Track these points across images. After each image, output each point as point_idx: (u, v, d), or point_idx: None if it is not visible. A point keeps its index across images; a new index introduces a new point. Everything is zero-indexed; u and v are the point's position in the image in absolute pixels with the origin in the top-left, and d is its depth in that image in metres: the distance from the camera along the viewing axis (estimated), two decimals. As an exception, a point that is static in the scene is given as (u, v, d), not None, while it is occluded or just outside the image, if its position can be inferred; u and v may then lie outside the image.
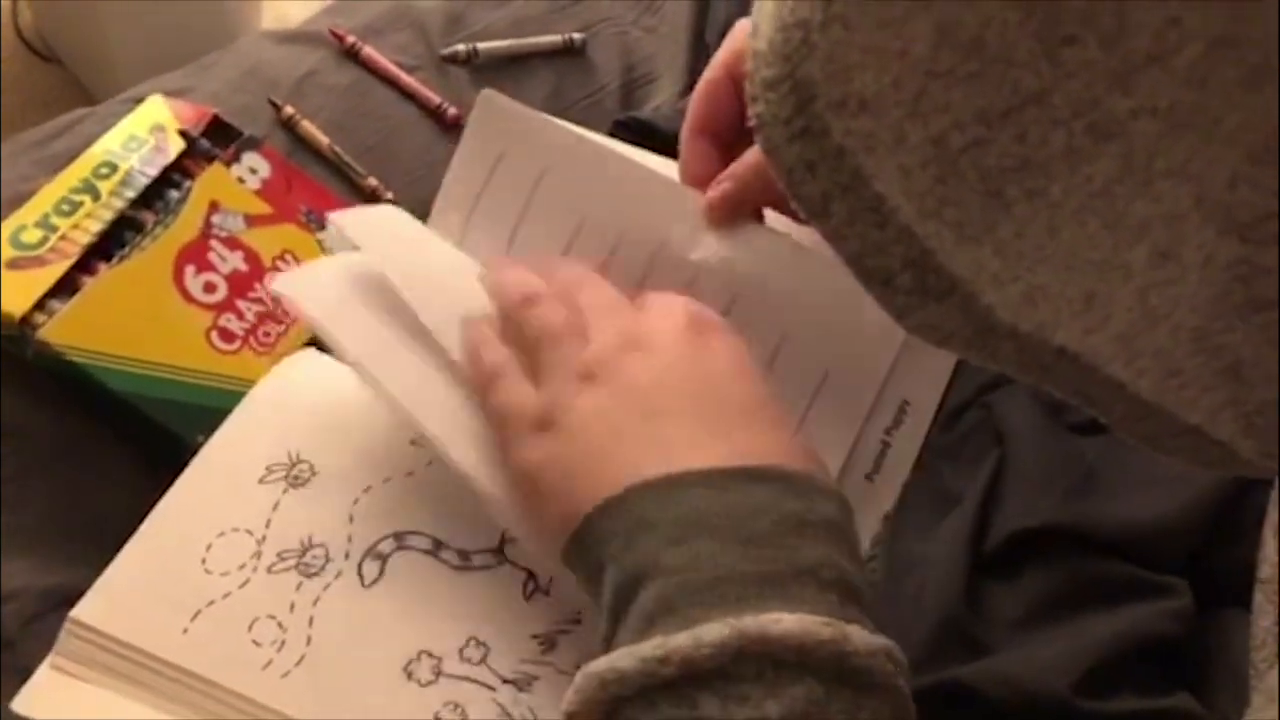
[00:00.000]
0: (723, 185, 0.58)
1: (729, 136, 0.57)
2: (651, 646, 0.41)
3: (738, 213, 0.56)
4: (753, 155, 0.62)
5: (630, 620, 0.44)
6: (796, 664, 0.40)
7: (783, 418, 0.50)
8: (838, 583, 0.43)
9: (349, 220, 0.58)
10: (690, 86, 0.86)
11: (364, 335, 0.55)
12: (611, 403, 0.49)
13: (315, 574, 0.54)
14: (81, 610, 0.53)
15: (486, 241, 0.59)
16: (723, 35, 0.84)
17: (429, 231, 0.60)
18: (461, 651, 0.53)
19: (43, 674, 0.52)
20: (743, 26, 0.61)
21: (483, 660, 0.52)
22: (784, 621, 0.40)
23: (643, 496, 0.45)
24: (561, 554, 0.48)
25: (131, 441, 0.65)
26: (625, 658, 0.41)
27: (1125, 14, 0.27)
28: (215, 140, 0.71)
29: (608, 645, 0.45)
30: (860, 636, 0.41)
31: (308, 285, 0.57)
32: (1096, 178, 0.29)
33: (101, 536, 0.57)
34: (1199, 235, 0.29)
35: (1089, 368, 0.32)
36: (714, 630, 0.40)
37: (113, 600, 0.53)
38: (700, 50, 0.88)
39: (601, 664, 0.42)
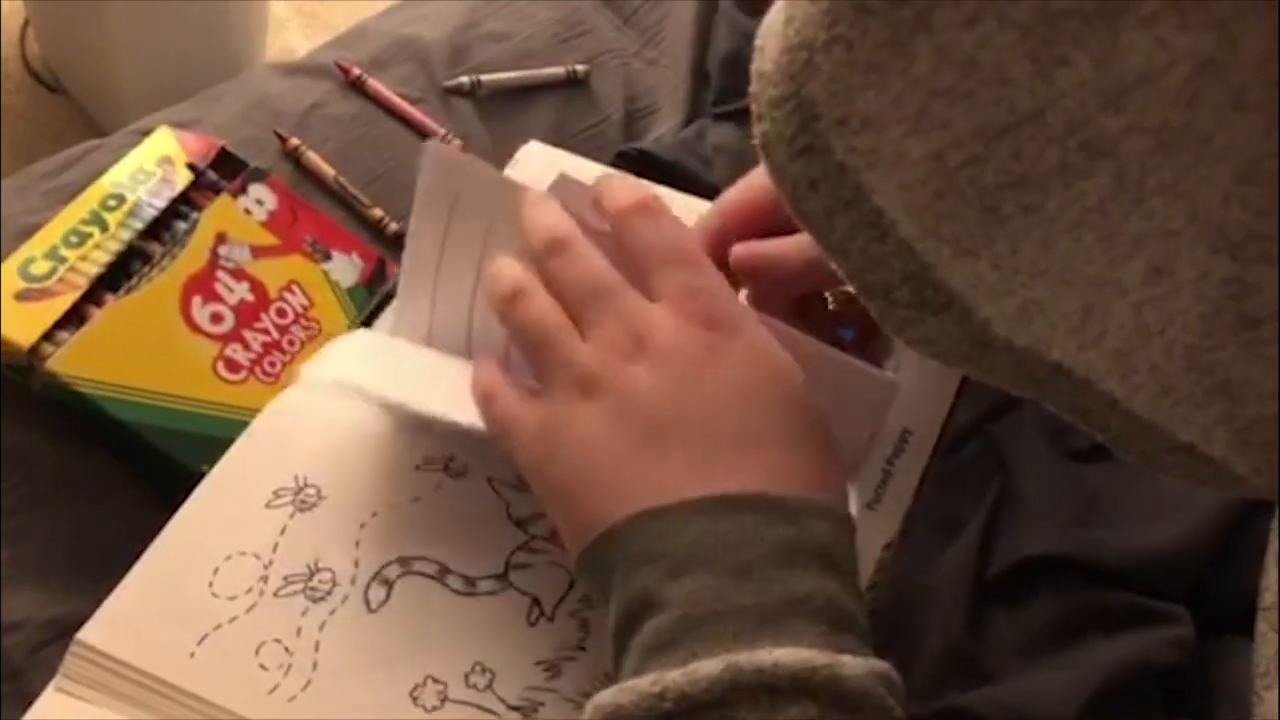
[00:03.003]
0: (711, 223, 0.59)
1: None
2: (649, 682, 0.41)
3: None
4: (736, 194, 0.63)
5: (633, 651, 0.44)
6: (792, 689, 0.40)
7: (793, 436, 0.48)
8: (827, 610, 0.43)
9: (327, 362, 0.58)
10: (692, 118, 0.87)
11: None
12: (609, 423, 0.47)
13: (322, 598, 0.54)
14: (87, 633, 0.53)
15: (454, 305, 0.59)
16: (722, 66, 0.86)
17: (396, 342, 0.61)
18: (467, 677, 0.53)
19: (48, 697, 0.52)
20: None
21: (488, 686, 0.52)
22: (775, 654, 0.40)
23: (641, 529, 0.45)
24: (574, 566, 0.48)
25: (137, 472, 0.65)
26: (626, 692, 0.42)
27: (1116, 36, 0.27)
28: (222, 172, 0.72)
29: (616, 666, 0.45)
30: (853, 663, 0.41)
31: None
32: (1090, 194, 0.29)
33: (106, 566, 0.57)
34: (1192, 252, 0.29)
35: (1084, 383, 0.33)
36: (709, 667, 0.41)
37: (119, 623, 0.53)
38: (700, 81, 0.88)
39: (606, 696, 0.42)
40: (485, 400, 0.52)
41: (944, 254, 0.31)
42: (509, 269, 0.52)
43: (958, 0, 0.28)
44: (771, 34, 0.32)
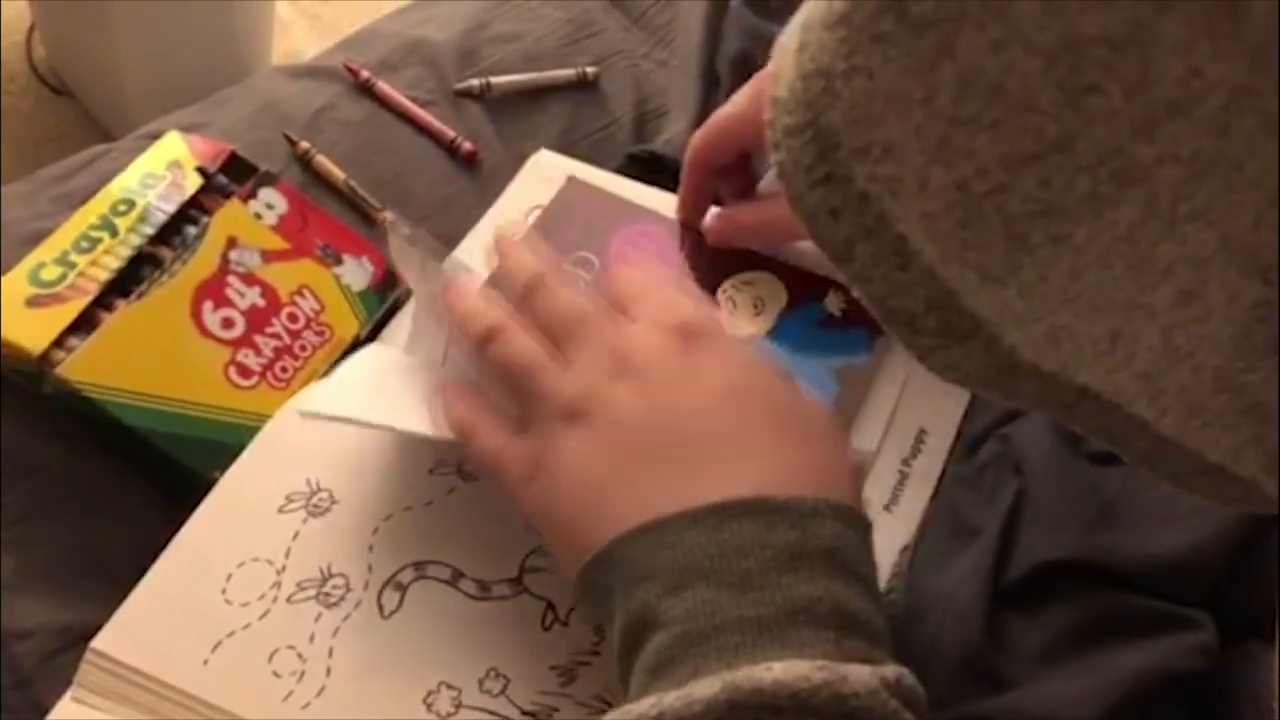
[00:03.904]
0: (717, 226, 0.63)
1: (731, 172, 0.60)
2: (648, 705, 0.41)
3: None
4: (751, 213, 0.65)
5: (637, 674, 0.44)
6: (793, 707, 0.39)
7: (786, 434, 0.48)
8: (835, 616, 0.42)
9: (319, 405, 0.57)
10: (701, 119, 0.86)
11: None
12: (596, 447, 0.48)
13: (335, 604, 0.55)
14: (101, 641, 0.53)
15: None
16: (732, 67, 0.86)
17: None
18: (481, 683, 0.52)
19: (63, 706, 0.52)
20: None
21: (503, 692, 0.52)
22: (774, 670, 0.40)
23: (634, 547, 0.45)
24: (573, 593, 0.48)
25: (148, 478, 0.65)
26: (627, 713, 0.41)
27: (1148, 64, 0.27)
28: (232, 176, 0.71)
29: (624, 689, 0.45)
30: (859, 676, 0.40)
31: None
32: (1121, 222, 0.29)
33: (118, 573, 0.57)
34: (1222, 276, 0.29)
35: (1112, 406, 0.32)
36: (706, 687, 0.40)
37: (133, 631, 0.53)
38: (711, 82, 0.88)
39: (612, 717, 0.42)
40: (466, 436, 0.52)
41: (969, 281, 0.31)
42: (484, 310, 0.53)
43: (982, 27, 0.28)
44: (787, 59, 0.32)
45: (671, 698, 0.40)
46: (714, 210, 0.69)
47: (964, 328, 0.31)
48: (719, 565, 0.43)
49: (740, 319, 0.68)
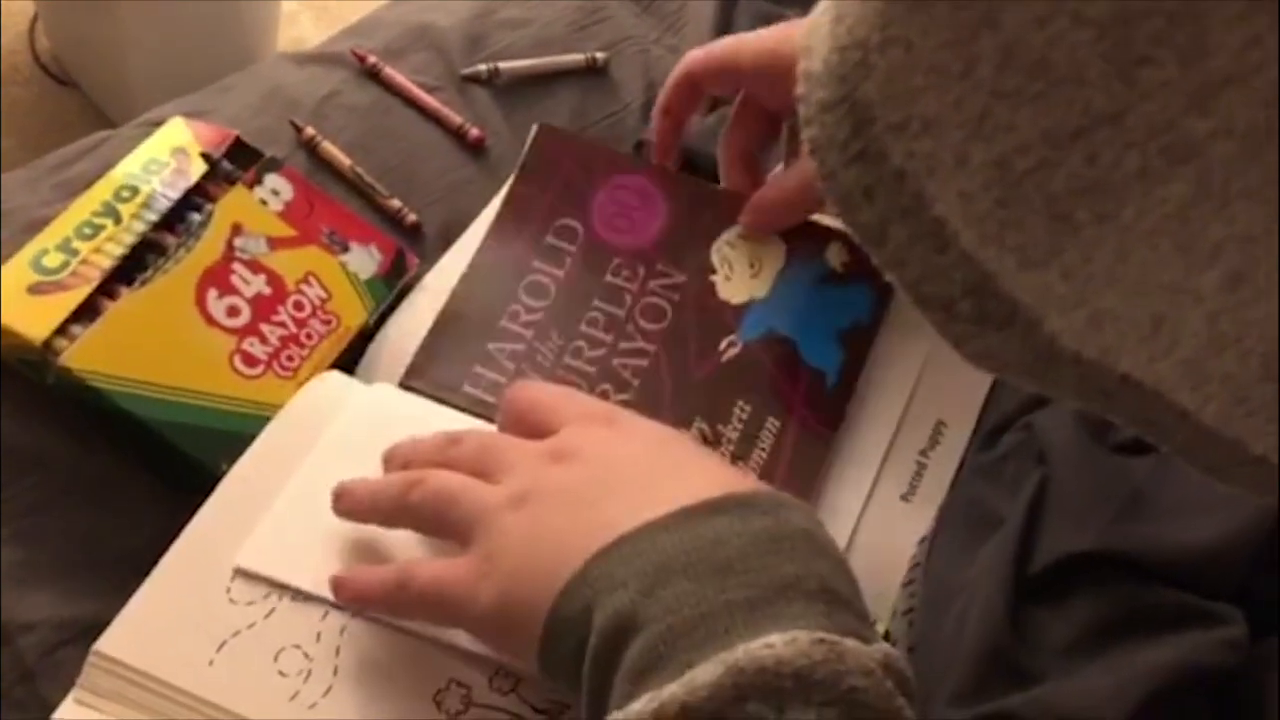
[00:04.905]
0: (754, 216, 0.63)
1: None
2: (644, 702, 0.39)
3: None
4: (777, 192, 0.64)
5: (618, 686, 0.42)
6: (797, 689, 0.38)
7: (724, 465, 0.51)
8: (823, 592, 0.42)
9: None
10: (712, 106, 0.85)
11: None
12: (545, 512, 0.47)
13: (342, 602, 0.53)
14: (105, 642, 0.52)
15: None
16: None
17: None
18: (492, 681, 0.51)
19: (67, 708, 0.51)
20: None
21: (513, 690, 0.51)
22: (775, 647, 0.39)
23: (602, 562, 0.44)
24: (541, 668, 0.47)
25: (153, 469, 0.64)
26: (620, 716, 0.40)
27: (1204, 34, 0.26)
28: (237, 162, 0.71)
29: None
30: (854, 654, 0.40)
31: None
32: (1170, 200, 0.28)
33: (123, 566, 0.57)
34: (1271, 258, 0.28)
35: (1152, 395, 0.31)
36: (707, 671, 0.39)
37: (137, 632, 0.52)
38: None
39: None
40: (405, 582, 0.50)
41: (1009, 265, 0.30)
42: (395, 475, 0.53)
43: None
44: (819, 33, 0.31)
45: (672, 688, 0.39)
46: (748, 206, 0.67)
47: (1002, 313, 0.30)
48: (696, 559, 0.43)
49: (737, 282, 0.65)
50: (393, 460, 0.54)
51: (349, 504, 0.53)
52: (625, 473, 0.48)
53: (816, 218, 0.66)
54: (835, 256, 0.65)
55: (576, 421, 0.51)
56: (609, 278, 0.66)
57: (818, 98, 0.30)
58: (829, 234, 0.66)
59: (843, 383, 0.63)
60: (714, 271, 0.66)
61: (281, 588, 0.53)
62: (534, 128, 0.72)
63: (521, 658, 0.48)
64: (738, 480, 0.48)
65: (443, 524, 0.50)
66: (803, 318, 0.64)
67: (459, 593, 0.48)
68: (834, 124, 0.30)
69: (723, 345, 0.64)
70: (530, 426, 0.52)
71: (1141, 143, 0.27)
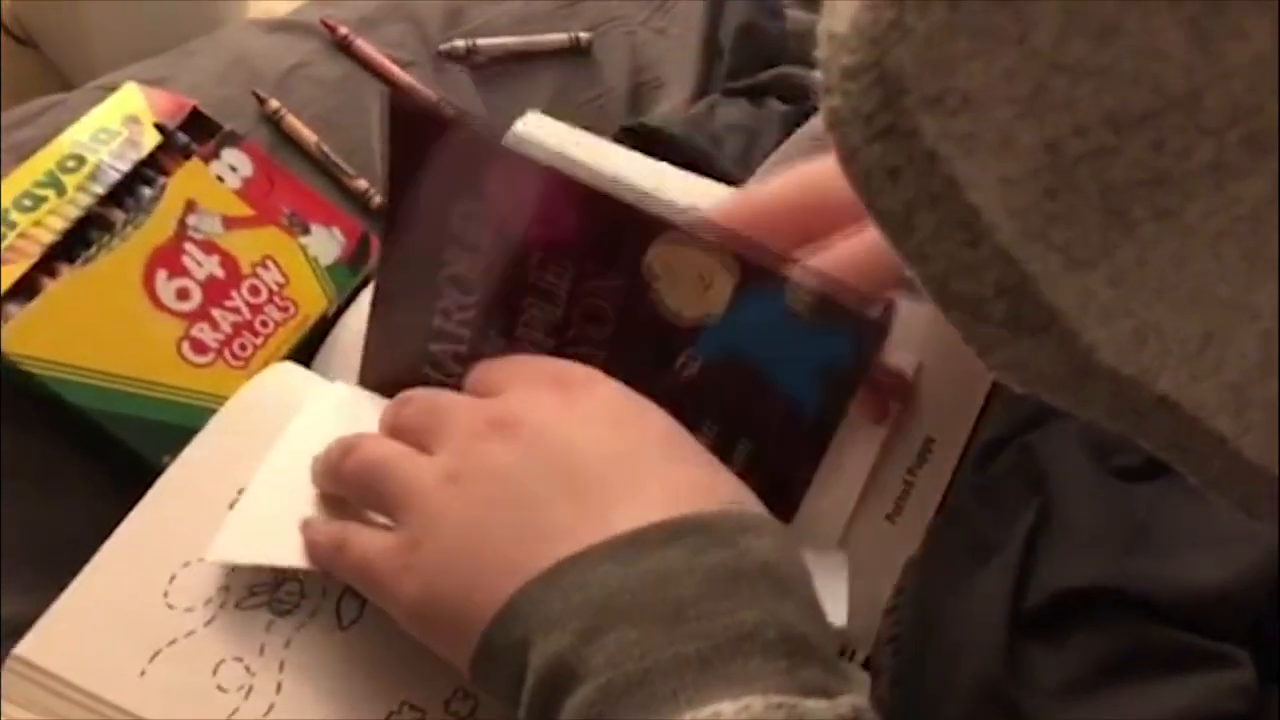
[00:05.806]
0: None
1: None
2: None
3: None
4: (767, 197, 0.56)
5: None
6: None
7: (687, 454, 0.46)
8: (784, 642, 0.38)
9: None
10: (701, 93, 0.82)
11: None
12: (473, 503, 0.44)
13: (288, 612, 0.50)
14: (25, 647, 0.49)
15: None
16: (736, 37, 0.82)
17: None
18: (448, 704, 0.49)
19: (-11, 717, 0.48)
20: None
21: (471, 714, 0.49)
22: (724, 715, 0.35)
23: (537, 594, 0.40)
24: (473, 680, 0.44)
25: (95, 461, 0.61)
26: None
27: None
28: (193, 134, 0.67)
29: None
30: (816, 713, 0.36)
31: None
32: (1246, 199, 0.24)
33: (61, 563, 0.53)
34: None
35: (1190, 419, 0.28)
36: None
37: (61, 636, 0.49)
38: (712, 54, 0.84)
39: None
40: (342, 546, 0.47)
41: (1051, 264, 0.26)
42: (337, 439, 0.50)
43: None
44: None
45: None
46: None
47: (1037, 319, 0.27)
48: (642, 599, 0.39)
49: (686, 294, 0.53)
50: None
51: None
52: (568, 464, 0.44)
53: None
54: (796, 300, 0.52)
55: (524, 383, 0.48)
56: (533, 276, 0.55)
57: (843, 63, 0.27)
58: (782, 278, 0.52)
59: (825, 421, 0.56)
60: (656, 279, 0.56)
61: (226, 590, 0.50)
62: (384, 93, 0.68)
63: (451, 659, 0.45)
64: (701, 487, 0.44)
65: (372, 497, 0.48)
66: (771, 346, 0.55)
67: (383, 578, 0.45)
68: (859, 94, 0.27)
69: (679, 361, 0.57)
70: (482, 391, 0.49)
71: (1219, 130, 0.24)
